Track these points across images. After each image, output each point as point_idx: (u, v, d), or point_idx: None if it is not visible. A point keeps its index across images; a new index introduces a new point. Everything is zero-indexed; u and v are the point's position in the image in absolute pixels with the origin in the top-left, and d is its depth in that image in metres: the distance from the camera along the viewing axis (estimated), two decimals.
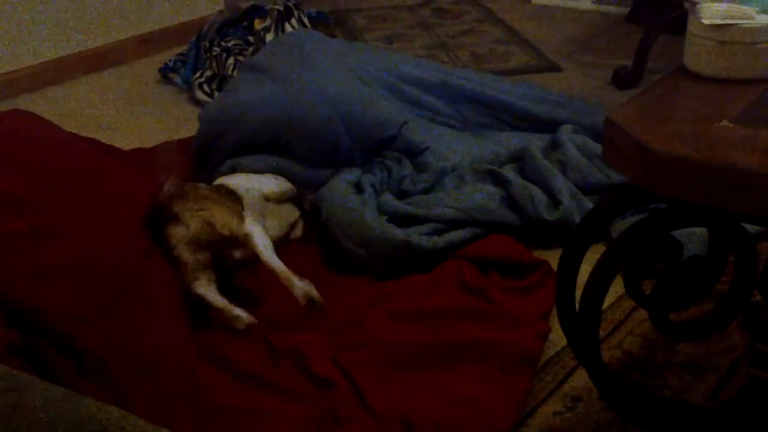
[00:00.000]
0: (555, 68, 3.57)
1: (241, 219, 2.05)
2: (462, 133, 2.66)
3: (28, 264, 1.81)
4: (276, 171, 2.37)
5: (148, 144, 2.82)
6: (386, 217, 2.22)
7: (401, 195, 2.39)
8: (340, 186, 2.30)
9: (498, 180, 2.39)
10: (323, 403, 1.71)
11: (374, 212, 2.20)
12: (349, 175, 2.36)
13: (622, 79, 3.35)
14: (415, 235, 2.16)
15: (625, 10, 4.24)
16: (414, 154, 2.49)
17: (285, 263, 1.99)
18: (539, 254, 2.18)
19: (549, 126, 2.68)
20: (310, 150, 2.39)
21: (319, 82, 2.45)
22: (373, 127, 2.44)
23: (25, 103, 3.23)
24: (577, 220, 2.23)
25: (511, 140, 2.62)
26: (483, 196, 2.31)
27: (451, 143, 2.55)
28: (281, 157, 2.41)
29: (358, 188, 2.34)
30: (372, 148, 2.46)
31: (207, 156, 2.53)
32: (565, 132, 2.57)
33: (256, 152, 2.43)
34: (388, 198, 2.30)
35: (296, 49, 2.67)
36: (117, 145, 2.76)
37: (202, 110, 2.69)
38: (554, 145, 2.55)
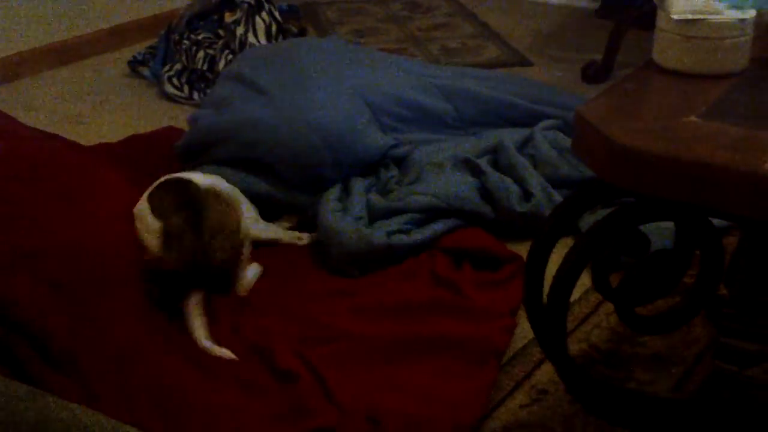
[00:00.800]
0: (526, 62, 3.58)
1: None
2: (454, 132, 2.65)
3: None
4: (256, 192, 2.33)
5: (117, 137, 2.80)
6: (365, 219, 2.23)
7: (387, 194, 2.39)
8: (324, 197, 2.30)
9: (474, 171, 2.40)
10: (288, 397, 1.71)
11: (354, 220, 2.20)
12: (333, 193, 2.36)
13: (591, 74, 3.37)
14: (396, 236, 2.17)
15: (595, 4, 4.25)
16: (400, 161, 2.50)
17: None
18: (511, 247, 2.19)
19: (533, 120, 2.71)
20: (293, 175, 2.36)
21: (310, 106, 2.40)
22: (363, 156, 2.42)
23: None
24: (547, 212, 2.24)
25: (490, 134, 2.63)
26: (459, 185, 2.32)
27: (440, 143, 2.55)
28: (263, 178, 2.38)
29: (346, 191, 2.36)
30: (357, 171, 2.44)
31: (190, 155, 2.52)
32: (539, 127, 2.59)
33: (239, 166, 2.40)
34: (371, 198, 2.31)
35: (290, 62, 2.61)
36: (86, 138, 2.74)
37: (192, 118, 2.63)
38: (526, 140, 2.56)
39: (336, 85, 2.53)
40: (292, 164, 2.34)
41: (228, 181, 2.25)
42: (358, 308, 1.96)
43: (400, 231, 2.20)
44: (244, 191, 2.27)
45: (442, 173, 2.39)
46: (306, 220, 2.32)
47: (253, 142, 2.38)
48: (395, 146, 2.50)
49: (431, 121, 2.63)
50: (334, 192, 2.32)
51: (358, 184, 2.37)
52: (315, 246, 2.23)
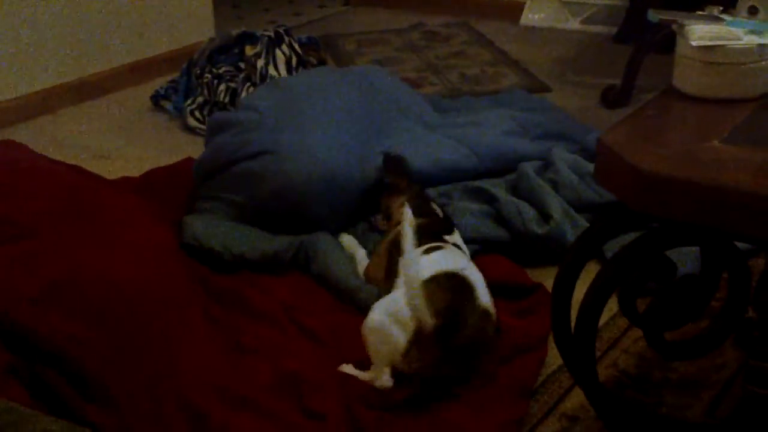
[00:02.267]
0: (544, 88, 3.60)
1: None
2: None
3: (27, 288, 1.82)
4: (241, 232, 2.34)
5: (141, 171, 2.83)
6: None
7: None
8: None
9: (486, 198, 2.41)
10: None
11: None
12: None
13: (611, 99, 3.38)
14: None
15: (612, 30, 4.27)
16: None
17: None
18: (532, 273, 2.19)
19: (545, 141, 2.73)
20: (285, 215, 2.35)
21: (316, 153, 2.37)
22: (364, 198, 2.41)
23: (16, 133, 3.23)
24: (569, 235, 2.25)
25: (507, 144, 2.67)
26: (471, 216, 2.33)
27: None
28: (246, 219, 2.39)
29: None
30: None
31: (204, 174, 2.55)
32: (558, 152, 2.60)
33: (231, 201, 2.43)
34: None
35: (298, 100, 2.59)
36: (110, 172, 2.77)
37: (197, 161, 2.64)
38: (546, 165, 2.57)
39: (344, 121, 2.53)
40: (292, 209, 2.33)
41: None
42: None
43: None
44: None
45: (451, 203, 2.40)
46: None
47: (251, 187, 2.39)
48: None
49: (456, 174, 2.59)
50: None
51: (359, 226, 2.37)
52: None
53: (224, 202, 2.43)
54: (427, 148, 2.60)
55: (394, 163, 2.33)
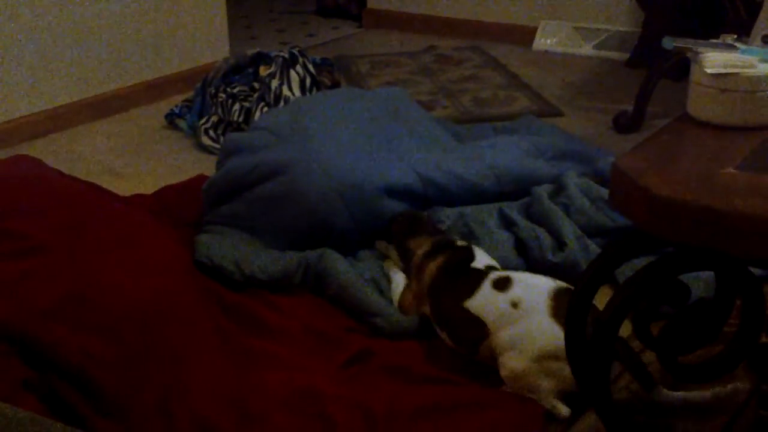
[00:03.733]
0: (556, 113, 3.62)
1: None
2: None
3: (39, 302, 1.83)
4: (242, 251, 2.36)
5: (154, 189, 2.85)
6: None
7: None
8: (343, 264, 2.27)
9: (506, 222, 2.42)
10: None
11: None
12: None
13: (623, 124, 3.40)
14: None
15: (624, 55, 4.30)
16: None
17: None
18: None
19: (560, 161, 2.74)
20: (311, 235, 2.36)
21: (328, 168, 2.39)
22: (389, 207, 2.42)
23: (31, 149, 3.26)
24: (582, 261, 2.26)
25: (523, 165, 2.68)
26: (496, 244, 2.34)
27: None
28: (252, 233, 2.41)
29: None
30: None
31: (214, 195, 2.56)
32: (571, 176, 2.61)
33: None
34: None
35: (311, 120, 2.60)
36: (124, 189, 2.80)
37: (207, 183, 2.64)
38: (559, 189, 2.58)
39: (366, 141, 2.55)
40: (303, 224, 2.35)
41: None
42: (394, 371, 1.98)
43: None
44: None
45: (487, 234, 2.40)
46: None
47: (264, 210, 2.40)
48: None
49: (477, 195, 2.60)
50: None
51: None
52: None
53: (238, 228, 2.44)
54: (449, 162, 2.60)
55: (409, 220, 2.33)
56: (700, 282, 1.98)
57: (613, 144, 3.15)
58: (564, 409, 1.82)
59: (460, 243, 2.18)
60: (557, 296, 1.87)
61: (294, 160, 2.43)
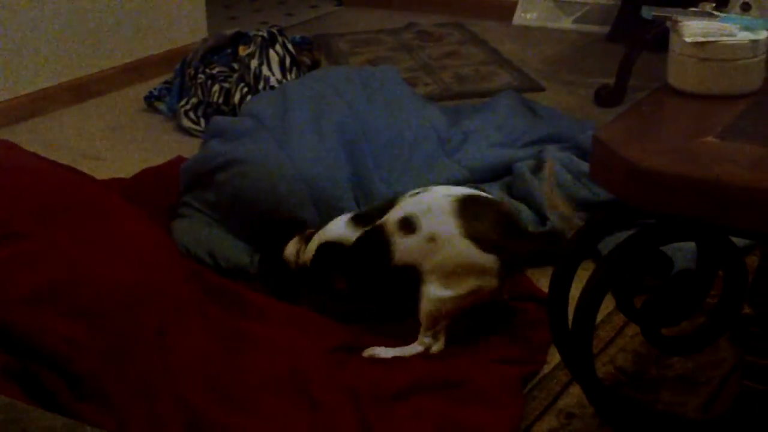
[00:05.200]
0: (537, 88, 3.60)
1: None
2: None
3: (20, 288, 1.81)
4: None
5: (134, 172, 2.82)
6: None
7: None
8: None
9: None
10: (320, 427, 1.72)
11: None
12: None
13: (604, 97, 3.39)
14: None
15: (605, 29, 4.28)
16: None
17: None
18: (529, 273, 2.19)
19: (534, 143, 2.71)
20: (272, 221, 2.32)
21: (300, 159, 2.38)
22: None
23: (9, 134, 3.21)
24: (565, 235, 2.25)
25: (495, 155, 2.64)
26: None
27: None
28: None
29: None
30: None
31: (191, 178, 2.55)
32: (551, 151, 2.60)
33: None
34: None
35: (295, 108, 2.57)
36: (104, 173, 2.77)
37: (185, 164, 2.62)
38: (540, 165, 2.57)
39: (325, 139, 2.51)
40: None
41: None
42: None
43: None
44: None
45: None
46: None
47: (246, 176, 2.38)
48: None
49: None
50: None
51: None
52: None
53: (208, 215, 2.42)
54: (419, 172, 2.56)
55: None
56: (682, 253, 1.98)
57: (595, 117, 3.14)
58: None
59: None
60: (462, 208, 1.89)
61: (266, 151, 2.41)
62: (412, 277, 1.92)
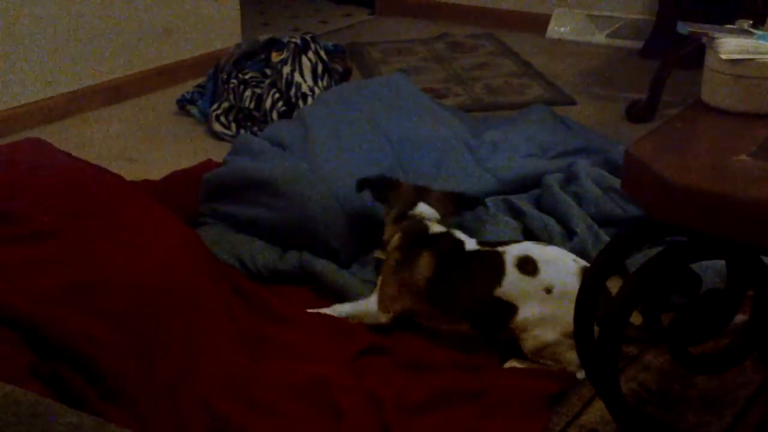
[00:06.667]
0: (569, 101, 3.59)
1: None
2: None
3: (46, 288, 1.82)
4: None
5: (165, 174, 2.84)
6: None
7: None
8: None
9: (514, 212, 2.40)
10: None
11: None
12: None
13: (636, 113, 3.37)
14: None
15: (638, 44, 4.26)
16: None
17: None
18: None
19: (564, 156, 2.70)
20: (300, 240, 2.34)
21: (334, 187, 2.35)
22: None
23: (43, 134, 3.24)
24: (592, 251, 2.24)
25: (524, 166, 2.64)
26: (504, 227, 2.31)
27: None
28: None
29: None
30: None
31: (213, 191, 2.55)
32: (582, 165, 2.58)
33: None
34: None
35: (309, 134, 2.56)
36: (135, 175, 2.79)
37: (210, 175, 2.59)
38: (570, 178, 2.56)
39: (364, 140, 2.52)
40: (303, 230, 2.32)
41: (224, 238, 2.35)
42: (404, 362, 1.97)
43: None
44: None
45: (484, 216, 2.38)
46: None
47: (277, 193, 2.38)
48: None
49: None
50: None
51: None
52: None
53: (234, 227, 2.42)
54: (449, 179, 2.54)
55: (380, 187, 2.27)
56: (711, 271, 1.96)
57: (626, 133, 3.13)
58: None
59: (433, 226, 2.13)
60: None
61: (295, 169, 2.40)
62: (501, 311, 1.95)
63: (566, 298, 1.84)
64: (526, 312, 1.91)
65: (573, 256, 1.99)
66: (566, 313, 1.78)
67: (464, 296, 2.00)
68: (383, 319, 2.06)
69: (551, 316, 1.89)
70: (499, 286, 1.95)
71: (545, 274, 1.93)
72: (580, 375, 1.86)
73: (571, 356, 1.85)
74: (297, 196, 2.34)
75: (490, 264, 1.98)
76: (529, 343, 1.91)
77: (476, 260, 2.02)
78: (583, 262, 1.97)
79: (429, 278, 2.03)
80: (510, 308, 1.93)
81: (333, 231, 2.31)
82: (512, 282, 1.94)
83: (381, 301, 2.07)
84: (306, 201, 2.33)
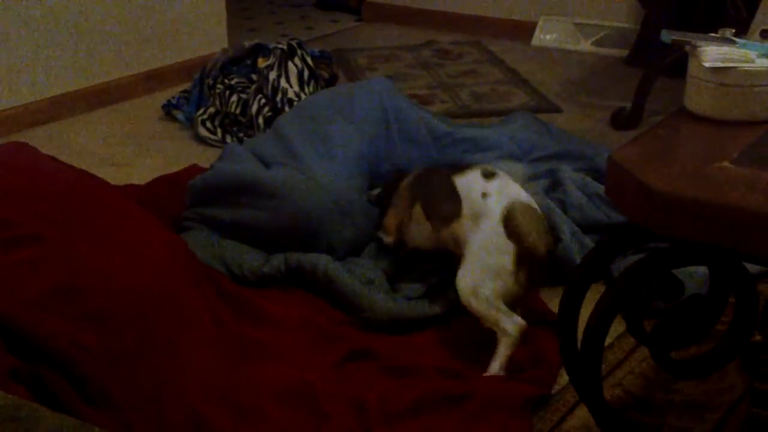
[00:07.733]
0: (555, 109, 3.61)
1: None
2: None
3: (30, 292, 1.82)
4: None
5: (150, 179, 2.83)
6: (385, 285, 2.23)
7: None
8: None
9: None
10: None
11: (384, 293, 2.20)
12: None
13: (620, 121, 3.39)
14: (424, 306, 2.15)
15: (623, 52, 4.29)
16: None
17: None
18: (540, 294, 2.19)
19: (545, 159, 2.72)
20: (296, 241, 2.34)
21: (332, 186, 2.37)
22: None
23: (28, 138, 3.21)
24: (577, 257, 2.25)
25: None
26: None
27: None
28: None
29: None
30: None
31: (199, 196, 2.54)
32: (566, 172, 2.59)
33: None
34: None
35: (289, 146, 2.54)
36: (120, 180, 2.78)
37: (195, 180, 2.56)
38: (555, 184, 2.57)
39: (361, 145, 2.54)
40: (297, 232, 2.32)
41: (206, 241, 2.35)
42: (389, 368, 1.97)
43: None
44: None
45: None
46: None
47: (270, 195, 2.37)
48: None
49: None
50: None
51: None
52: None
53: (218, 231, 2.41)
54: None
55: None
56: (694, 277, 1.97)
57: (612, 141, 3.14)
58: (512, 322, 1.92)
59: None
60: (516, 208, 1.98)
61: (286, 174, 2.40)
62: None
63: (491, 215, 1.97)
64: (465, 222, 2.02)
65: (527, 193, 2.06)
66: (487, 241, 1.95)
67: (428, 177, 2.19)
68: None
69: (476, 244, 1.97)
70: (459, 174, 2.08)
71: (494, 183, 2.03)
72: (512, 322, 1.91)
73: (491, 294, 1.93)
74: (294, 199, 2.34)
75: (465, 165, 2.15)
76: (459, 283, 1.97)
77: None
78: (529, 202, 2.03)
79: (413, 179, 2.26)
80: (457, 203, 2.04)
81: (333, 232, 2.32)
82: (471, 177, 2.07)
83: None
84: (305, 208, 2.33)
